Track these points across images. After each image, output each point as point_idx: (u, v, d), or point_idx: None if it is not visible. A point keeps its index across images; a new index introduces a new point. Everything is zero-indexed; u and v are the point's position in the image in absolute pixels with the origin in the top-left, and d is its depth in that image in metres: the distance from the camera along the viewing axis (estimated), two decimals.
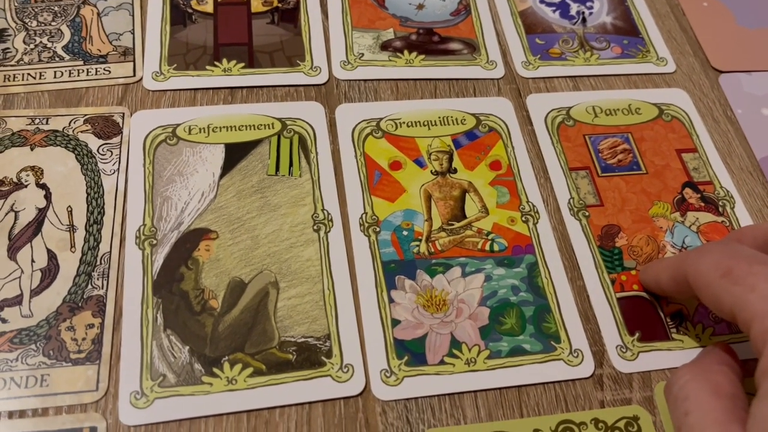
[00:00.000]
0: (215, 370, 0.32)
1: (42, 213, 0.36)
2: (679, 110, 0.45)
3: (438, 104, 0.43)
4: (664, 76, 0.47)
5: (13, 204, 0.36)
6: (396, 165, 0.40)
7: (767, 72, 0.48)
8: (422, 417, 0.32)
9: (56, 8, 0.45)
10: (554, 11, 0.50)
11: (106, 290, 0.34)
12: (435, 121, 0.42)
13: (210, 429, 0.31)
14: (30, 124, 0.39)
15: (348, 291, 0.35)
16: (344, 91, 0.43)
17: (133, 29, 0.44)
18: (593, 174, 0.41)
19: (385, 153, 0.41)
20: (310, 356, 0.33)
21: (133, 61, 0.43)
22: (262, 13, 0.46)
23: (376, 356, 0.34)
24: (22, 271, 0.34)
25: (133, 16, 0.45)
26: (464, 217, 0.39)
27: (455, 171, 0.40)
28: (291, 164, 0.40)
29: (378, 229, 0.38)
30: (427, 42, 0.46)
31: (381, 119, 0.42)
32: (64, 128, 0.39)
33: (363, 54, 0.45)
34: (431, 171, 0.40)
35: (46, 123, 0.39)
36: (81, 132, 0.39)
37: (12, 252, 0.35)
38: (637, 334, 0.36)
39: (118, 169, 0.38)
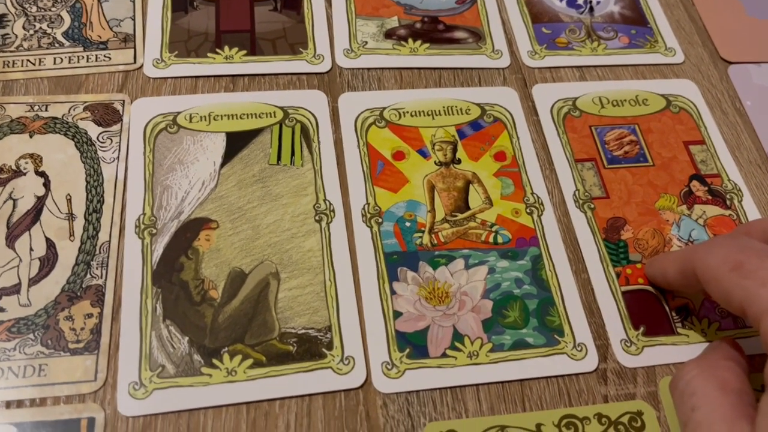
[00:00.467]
0: (215, 361, 0.32)
1: (41, 201, 0.36)
2: (687, 101, 0.44)
3: (442, 93, 0.43)
4: (672, 67, 0.46)
5: (12, 192, 0.36)
6: (399, 155, 0.40)
7: None
8: (423, 410, 0.32)
9: None
10: (561, 0, 0.49)
11: (105, 280, 0.34)
12: (439, 111, 0.42)
13: (209, 421, 0.31)
14: (29, 111, 0.39)
15: (349, 282, 0.35)
16: (347, 80, 0.43)
17: (134, 15, 0.44)
18: (599, 166, 0.41)
19: (389, 143, 0.40)
20: (310, 348, 0.33)
21: (134, 47, 0.42)
22: (265, 0, 0.46)
23: (377, 348, 0.33)
24: (21, 260, 0.34)
25: (133, 2, 0.44)
26: (468, 208, 0.38)
27: (459, 161, 0.40)
28: (293, 153, 0.39)
29: (380, 220, 0.37)
30: (432, 30, 0.46)
31: (384, 108, 0.41)
32: (63, 115, 0.39)
33: (367, 42, 0.44)
34: (435, 161, 0.40)
35: (46, 110, 0.39)
36: (81, 119, 0.39)
37: (10, 240, 0.35)
38: (641, 329, 0.35)
39: (118, 157, 0.38)
